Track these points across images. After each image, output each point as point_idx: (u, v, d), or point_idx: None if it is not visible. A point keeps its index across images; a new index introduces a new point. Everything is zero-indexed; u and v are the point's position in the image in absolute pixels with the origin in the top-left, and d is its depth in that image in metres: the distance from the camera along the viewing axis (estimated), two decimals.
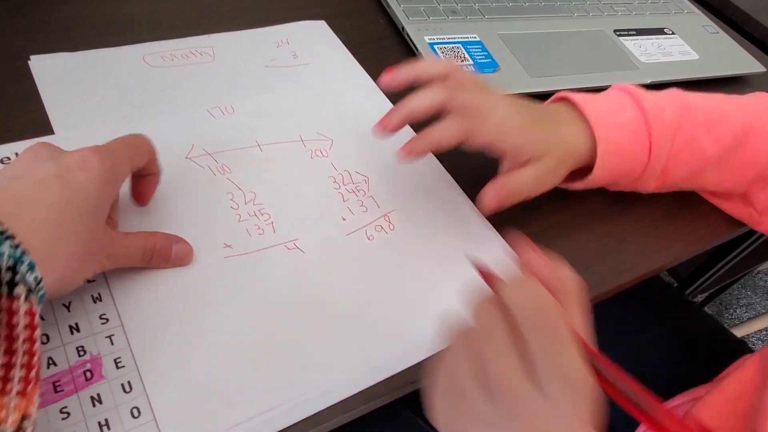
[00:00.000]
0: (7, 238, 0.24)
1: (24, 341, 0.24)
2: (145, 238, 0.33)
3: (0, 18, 0.46)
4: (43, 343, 0.31)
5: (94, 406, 0.29)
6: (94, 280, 0.33)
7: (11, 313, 0.23)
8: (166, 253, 0.34)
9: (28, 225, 0.25)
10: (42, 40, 0.46)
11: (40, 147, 0.30)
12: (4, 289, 0.23)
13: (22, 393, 0.23)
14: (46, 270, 0.25)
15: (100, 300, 0.33)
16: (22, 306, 0.23)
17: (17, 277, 0.23)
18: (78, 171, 0.28)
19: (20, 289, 0.23)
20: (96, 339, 0.31)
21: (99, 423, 0.29)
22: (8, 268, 0.23)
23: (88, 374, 0.30)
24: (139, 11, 0.51)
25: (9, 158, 0.38)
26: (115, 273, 0.34)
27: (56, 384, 0.29)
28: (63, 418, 0.28)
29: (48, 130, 0.40)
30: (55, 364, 0.30)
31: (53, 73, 0.43)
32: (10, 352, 0.23)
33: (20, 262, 0.24)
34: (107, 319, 0.32)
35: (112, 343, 0.31)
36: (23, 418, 0.23)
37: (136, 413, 0.29)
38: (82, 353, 0.31)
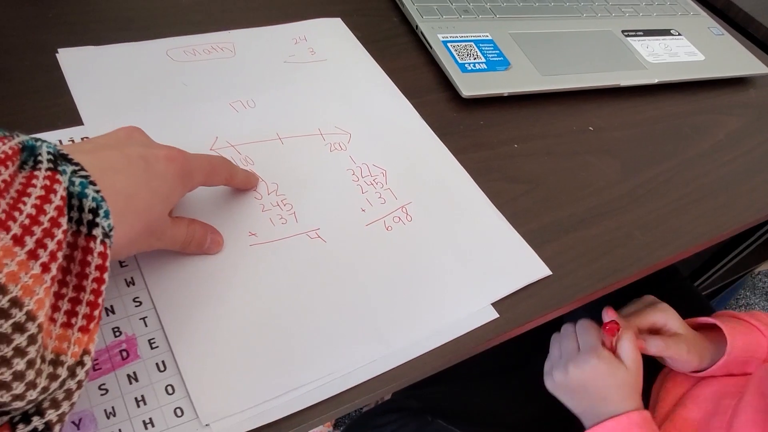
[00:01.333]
0: (92, 183, 0.25)
1: (93, 280, 0.25)
2: (187, 225, 0.34)
3: (28, 11, 0.48)
4: None
5: (130, 383, 0.30)
6: (126, 265, 0.35)
7: (87, 251, 0.25)
8: (202, 242, 0.35)
9: (106, 185, 0.26)
10: (68, 33, 0.47)
11: (134, 130, 0.33)
12: (85, 228, 0.25)
13: (84, 329, 0.25)
14: (114, 224, 0.26)
15: (133, 284, 0.34)
16: (97, 247, 0.25)
17: (97, 219, 0.25)
18: (162, 161, 0.30)
19: (98, 231, 0.25)
20: (130, 321, 0.33)
21: (135, 399, 0.30)
22: (90, 210, 0.25)
23: (124, 354, 0.31)
24: (161, 6, 0.52)
25: None
26: (146, 258, 0.35)
27: (94, 362, 0.31)
28: (102, 394, 0.30)
29: (77, 120, 0.41)
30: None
31: (81, 66, 0.45)
32: (79, 288, 0.25)
33: (100, 207, 0.25)
34: (140, 302, 0.34)
35: (146, 325, 0.33)
36: (84, 352, 0.25)
37: (170, 390, 0.31)
38: (117, 334, 0.32)
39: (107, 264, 0.25)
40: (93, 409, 0.29)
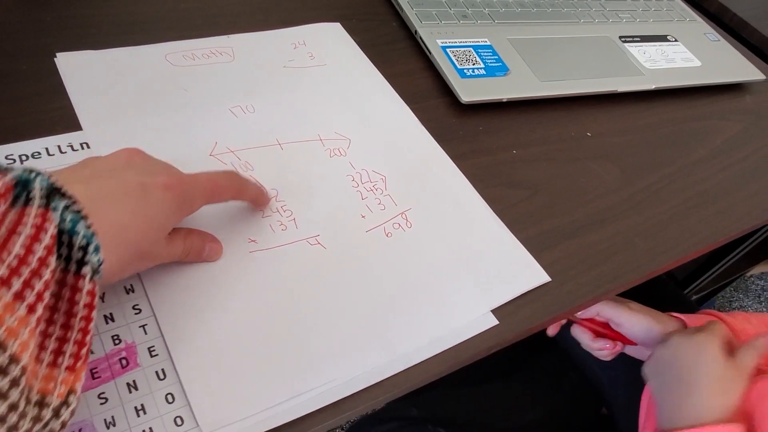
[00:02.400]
0: (83, 217, 0.25)
1: (81, 319, 0.25)
2: (184, 239, 0.34)
3: (27, 15, 0.47)
4: None
5: (130, 392, 0.30)
6: None
7: (75, 290, 0.24)
8: (200, 252, 0.35)
9: (100, 217, 0.26)
10: (67, 37, 0.47)
11: (136, 153, 0.32)
12: (73, 266, 0.24)
13: (71, 368, 0.24)
14: (105, 257, 0.26)
15: (133, 291, 0.34)
16: (86, 285, 0.25)
17: (87, 257, 0.25)
18: (160, 189, 0.30)
19: (87, 269, 0.25)
20: (130, 328, 0.32)
21: (135, 408, 0.30)
22: (80, 248, 0.24)
23: (124, 362, 0.31)
24: (160, 10, 0.52)
25: (39, 153, 0.39)
26: None
27: (94, 371, 0.31)
28: (101, 403, 0.30)
29: (76, 125, 0.41)
30: (92, 352, 0.31)
31: (79, 70, 0.44)
32: (66, 326, 0.24)
33: (90, 243, 0.25)
34: (140, 310, 0.33)
35: (146, 333, 0.33)
36: (70, 392, 0.24)
37: (170, 399, 0.30)
38: (117, 342, 0.32)
39: (95, 302, 0.25)
40: (93, 418, 0.29)
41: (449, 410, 0.66)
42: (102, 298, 0.33)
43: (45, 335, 0.24)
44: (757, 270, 1.57)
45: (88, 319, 0.25)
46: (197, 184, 0.33)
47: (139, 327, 0.33)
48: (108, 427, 0.29)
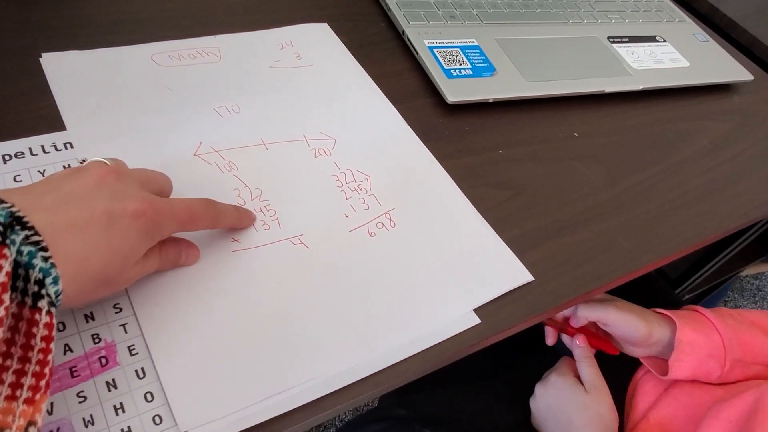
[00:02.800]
0: (41, 249, 0.25)
1: (39, 351, 0.25)
2: (159, 250, 0.33)
3: (12, 14, 0.47)
4: (59, 330, 0.32)
5: (109, 390, 0.30)
6: None
7: (32, 323, 0.24)
8: (177, 259, 0.35)
9: (61, 248, 0.26)
10: (52, 37, 0.47)
11: (109, 174, 0.30)
12: (29, 299, 0.24)
13: (30, 401, 0.24)
14: (64, 288, 0.26)
15: None
16: (43, 318, 0.25)
17: (43, 290, 0.24)
18: (128, 218, 0.29)
19: (43, 303, 0.25)
20: (110, 327, 0.33)
21: (114, 406, 0.30)
22: (36, 281, 0.24)
23: (103, 360, 0.31)
24: (146, 11, 0.52)
25: (22, 152, 0.39)
26: None
27: (73, 369, 0.31)
28: (80, 402, 0.30)
29: (60, 126, 0.41)
30: (71, 351, 0.31)
31: (64, 70, 0.44)
32: (24, 359, 0.24)
33: (47, 275, 0.25)
34: (120, 309, 0.33)
35: (126, 332, 0.33)
36: (30, 423, 0.24)
37: (149, 397, 0.31)
38: (97, 341, 0.32)
39: (53, 334, 0.25)
40: (71, 417, 0.29)
41: (436, 410, 0.66)
42: None
43: (2, 369, 0.24)
44: (749, 271, 1.58)
45: (46, 351, 0.25)
46: (171, 211, 0.32)
47: (120, 326, 0.33)
48: (86, 426, 0.29)
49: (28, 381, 0.24)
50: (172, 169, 0.38)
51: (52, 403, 0.29)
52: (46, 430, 0.29)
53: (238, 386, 0.32)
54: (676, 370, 0.55)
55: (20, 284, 0.24)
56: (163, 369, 0.32)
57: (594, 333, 0.63)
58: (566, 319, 0.64)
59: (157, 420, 0.30)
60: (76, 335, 0.32)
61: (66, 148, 0.40)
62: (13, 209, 0.25)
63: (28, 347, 0.24)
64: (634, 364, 0.64)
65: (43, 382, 0.25)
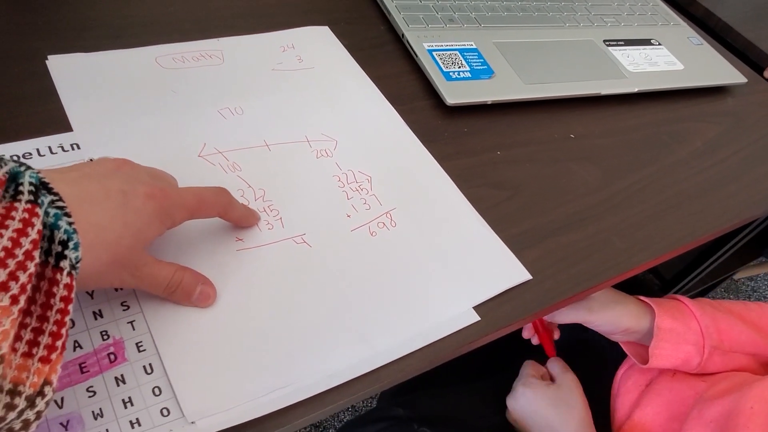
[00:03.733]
0: (66, 215, 0.26)
1: (57, 311, 0.26)
2: (174, 271, 0.34)
3: (18, 18, 0.48)
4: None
5: (118, 385, 0.31)
6: None
7: (53, 282, 0.25)
8: (190, 291, 0.34)
9: (80, 217, 0.27)
10: (58, 40, 0.48)
11: (124, 163, 0.33)
12: (52, 259, 0.25)
13: (45, 359, 0.25)
14: (82, 255, 0.27)
15: (121, 288, 0.35)
16: (64, 279, 0.25)
17: (66, 251, 0.25)
18: (140, 198, 0.31)
19: (65, 263, 0.25)
20: (118, 324, 0.33)
21: (123, 400, 0.31)
22: (60, 242, 0.25)
23: (112, 357, 0.32)
24: (150, 14, 0.53)
25: (30, 153, 0.40)
26: None
27: (82, 365, 0.31)
28: (89, 396, 0.30)
29: (66, 127, 0.42)
30: (80, 347, 0.32)
31: (70, 73, 0.45)
32: (42, 318, 0.25)
33: (71, 239, 0.26)
34: (128, 306, 0.34)
35: (134, 329, 0.33)
36: (45, 383, 0.25)
37: (157, 392, 0.31)
38: (105, 337, 0.33)
39: (72, 296, 0.26)
40: (81, 410, 0.30)
41: (435, 409, 0.67)
42: (91, 295, 0.34)
43: (21, 326, 0.25)
44: (743, 274, 1.59)
45: (64, 311, 0.26)
46: (180, 198, 0.33)
47: (127, 323, 0.34)
48: (96, 419, 0.30)
49: (44, 340, 0.25)
50: (176, 169, 0.39)
51: (62, 398, 0.30)
52: (55, 423, 0.29)
53: (242, 380, 0.33)
54: (656, 358, 0.55)
55: (44, 244, 0.25)
56: (171, 364, 0.32)
57: (545, 330, 0.66)
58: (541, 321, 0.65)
59: (165, 412, 0.31)
60: (85, 332, 0.33)
61: (73, 149, 0.41)
62: (40, 175, 0.26)
63: (47, 306, 0.25)
64: (613, 362, 0.65)
65: (59, 342, 0.25)
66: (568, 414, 0.58)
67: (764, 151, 0.62)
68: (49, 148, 0.40)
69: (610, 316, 0.57)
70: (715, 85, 0.69)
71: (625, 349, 0.61)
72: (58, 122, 0.42)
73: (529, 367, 0.65)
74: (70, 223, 0.26)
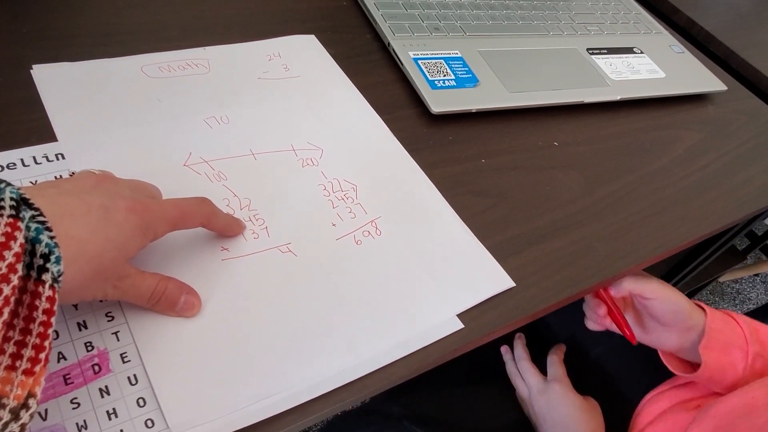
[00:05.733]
0: (47, 229, 0.26)
1: (40, 324, 0.26)
2: (158, 282, 0.34)
3: (3, 26, 0.48)
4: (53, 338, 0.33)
5: (102, 397, 0.31)
6: None
7: (35, 295, 0.26)
8: (174, 301, 0.35)
9: (61, 233, 0.27)
10: (43, 48, 0.48)
11: (105, 179, 0.33)
12: (34, 273, 0.25)
13: (29, 372, 0.25)
14: (64, 269, 0.27)
15: (106, 299, 0.35)
16: (46, 291, 0.26)
17: (48, 264, 0.26)
18: (121, 212, 0.31)
19: (47, 276, 0.26)
20: (102, 335, 0.33)
21: (107, 412, 0.31)
22: (41, 255, 0.25)
23: (96, 368, 0.32)
24: (136, 23, 0.53)
25: (14, 164, 0.40)
26: None
27: (66, 377, 0.31)
28: (74, 408, 0.30)
29: (51, 137, 0.42)
30: (65, 359, 0.32)
31: (55, 82, 0.45)
32: (25, 331, 0.25)
33: (52, 252, 0.26)
34: (113, 317, 0.34)
35: (118, 339, 0.33)
36: (29, 395, 0.25)
37: (142, 403, 0.31)
38: (90, 348, 0.33)
39: (55, 308, 0.26)
40: (65, 422, 0.30)
41: (429, 410, 0.67)
42: (75, 306, 0.34)
43: (4, 339, 0.25)
44: (728, 277, 1.61)
45: (47, 324, 0.26)
46: (162, 211, 0.33)
47: (112, 334, 0.34)
48: (80, 431, 0.30)
49: (27, 353, 0.25)
50: (162, 179, 0.39)
51: (46, 409, 0.30)
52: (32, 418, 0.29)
53: (227, 390, 0.33)
54: (707, 357, 0.55)
55: (26, 258, 0.25)
56: (155, 375, 0.32)
57: (619, 313, 0.61)
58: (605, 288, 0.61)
59: (149, 423, 0.31)
60: (69, 343, 0.33)
61: (57, 159, 0.41)
62: (20, 191, 0.26)
63: (30, 319, 0.25)
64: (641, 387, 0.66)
65: (42, 355, 0.26)
66: (588, 426, 0.59)
67: (744, 158, 0.64)
68: (34, 158, 0.40)
69: (676, 297, 0.57)
70: (696, 93, 0.70)
71: (665, 361, 0.60)
72: (43, 132, 0.42)
73: (558, 367, 0.66)
74: (51, 237, 0.26)
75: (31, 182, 0.39)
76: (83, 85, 0.46)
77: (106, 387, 0.32)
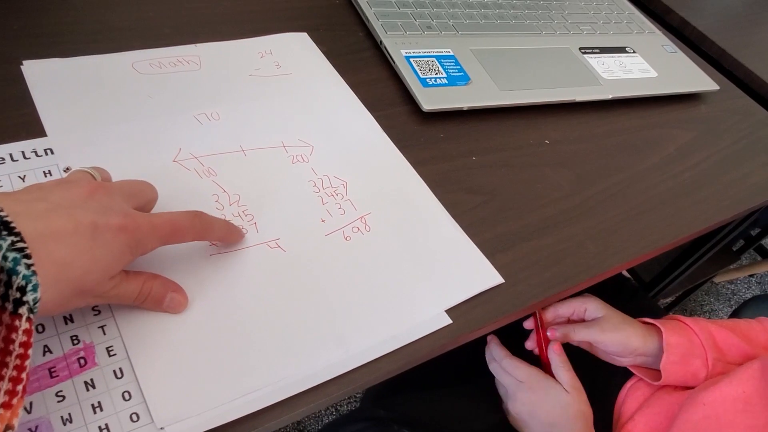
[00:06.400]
0: (25, 256, 0.25)
1: (17, 357, 0.25)
2: (143, 282, 0.34)
3: None
4: (38, 332, 0.33)
5: (87, 390, 0.31)
6: None
7: (11, 329, 0.25)
8: (160, 300, 0.35)
9: (44, 254, 0.26)
10: (34, 45, 0.48)
11: (97, 190, 0.31)
12: (10, 305, 0.25)
13: (7, 405, 0.25)
14: (42, 293, 0.27)
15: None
16: (23, 325, 0.25)
17: (24, 297, 0.25)
18: (112, 231, 0.30)
19: (24, 309, 0.25)
20: (89, 329, 0.33)
21: (92, 405, 0.31)
22: (18, 288, 0.25)
23: (82, 361, 0.32)
24: (128, 19, 0.53)
25: (3, 159, 0.40)
26: None
27: (52, 370, 0.31)
28: (59, 401, 0.30)
29: (40, 132, 0.42)
30: (50, 352, 0.32)
31: (45, 78, 0.45)
32: (2, 364, 0.25)
33: (29, 282, 0.25)
34: (99, 311, 0.34)
35: (104, 333, 0.33)
36: (6, 428, 0.25)
37: (127, 396, 0.31)
38: (75, 342, 0.33)
39: (32, 340, 0.26)
40: (50, 415, 0.30)
41: (416, 412, 0.67)
42: None
43: None
44: (722, 278, 1.62)
45: (24, 356, 0.25)
46: (152, 228, 0.33)
47: (98, 328, 0.34)
48: (65, 424, 0.30)
49: (5, 386, 0.25)
50: (151, 174, 0.39)
51: (31, 403, 0.30)
52: (24, 429, 0.29)
53: (214, 384, 0.33)
54: (668, 373, 0.57)
55: (1, 289, 0.25)
56: (141, 368, 0.32)
57: (544, 338, 0.64)
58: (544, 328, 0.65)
59: (134, 417, 0.31)
60: (55, 337, 0.33)
61: (46, 154, 0.41)
62: (2, 214, 0.25)
63: (6, 352, 0.25)
64: (619, 376, 0.66)
65: (20, 387, 0.25)
66: (575, 421, 0.59)
67: (735, 157, 0.64)
68: (23, 153, 0.40)
69: (621, 336, 0.59)
70: (688, 92, 0.70)
71: (634, 371, 0.62)
72: (33, 127, 0.42)
73: (523, 366, 0.65)
74: (29, 266, 0.25)
75: (19, 177, 0.39)
76: (73, 81, 0.46)
77: (92, 380, 0.32)
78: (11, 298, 0.25)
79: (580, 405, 0.59)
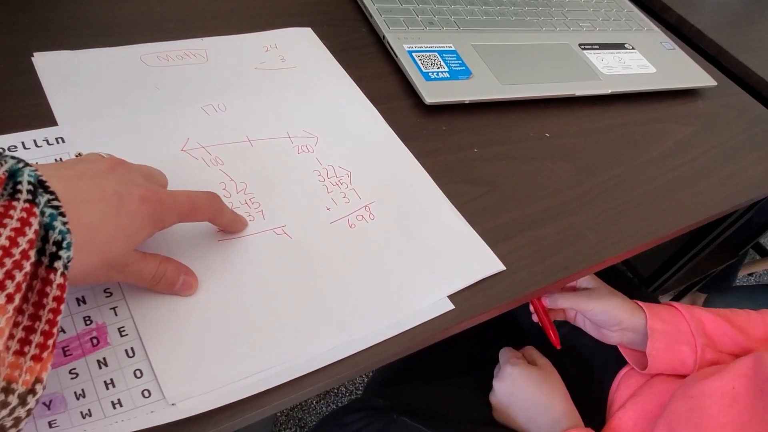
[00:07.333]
0: (61, 214, 0.26)
1: (49, 311, 0.26)
2: (159, 264, 0.34)
3: (5, 17, 0.49)
4: None
5: (100, 368, 0.32)
6: None
7: (46, 282, 0.26)
8: (173, 282, 0.35)
9: (74, 219, 0.27)
10: (43, 37, 0.49)
11: (119, 164, 0.33)
12: (46, 259, 0.26)
13: (37, 357, 0.25)
14: (74, 255, 0.27)
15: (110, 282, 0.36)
16: (57, 279, 0.26)
17: (60, 252, 0.26)
18: (135, 201, 0.31)
19: (59, 264, 0.26)
20: (101, 310, 0.34)
21: (105, 382, 0.32)
22: (54, 242, 0.26)
23: (95, 341, 0.33)
24: (135, 13, 0.54)
25: (15, 146, 0.41)
26: None
27: (65, 349, 0.32)
28: (72, 378, 0.31)
29: (51, 121, 0.43)
30: (64, 332, 0.33)
31: (56, 69, 0.46)
32: (34, 317, 0.26)
33: (64, 239, 0.26)
34: (111, 293, 0.35)
35: (116, 314, 0.34)
36: (36, 381, 0.25)
37: (139, 374, 0.32)
38: (88, 322, 0.34)
39: (65, 295, 0.26)
40: (63, 391, 0.31)
41: (415, 401, 0.68)
42: None
43: (14, 324, 0.25)
44: (743, 271, 1.62)
45: (56, 311, 0.26)
46: (174, 202, 0.34)
47: (110, 309, 0.34)
48: (78, 399, 0.31)
49: (36, 338, 0.25)
50: (160, 163, 0.40)
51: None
52: (39, 403, 0.30)
53: (223, 364, 0.34)
54: (654, 359, 0.58)
55: (38, 244, 0.25)
56: (152, 348, 0.33)
57: (548, 320, 0.68)
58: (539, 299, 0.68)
59: (146, 393, 0.32)
60: (68, 317, 0.34)
61: (57, 143, 0.42)
62: (37, 173, 0.26)
63: (39, 305, 0.26)
64: (600, 369, 0.67)
65: (51, 341, 0.26)
66: (553, 394, 0.60)
67: (732, 152, 0.65)
68: (35, 141, 0.41)
69: (607, 305, 0.61)
70: (686, 88, 0.71)
71: (625, 356, 0.64)
72: (44, 117, 0.43)
73: (508, 353, 0.68)
74: (64, 223, 0.26)
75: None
76: (83, 73, 0.47)
77: (104, 359, 0.32)
78: (47, 252, 0.26)
79: (554, 377, 0.63)
